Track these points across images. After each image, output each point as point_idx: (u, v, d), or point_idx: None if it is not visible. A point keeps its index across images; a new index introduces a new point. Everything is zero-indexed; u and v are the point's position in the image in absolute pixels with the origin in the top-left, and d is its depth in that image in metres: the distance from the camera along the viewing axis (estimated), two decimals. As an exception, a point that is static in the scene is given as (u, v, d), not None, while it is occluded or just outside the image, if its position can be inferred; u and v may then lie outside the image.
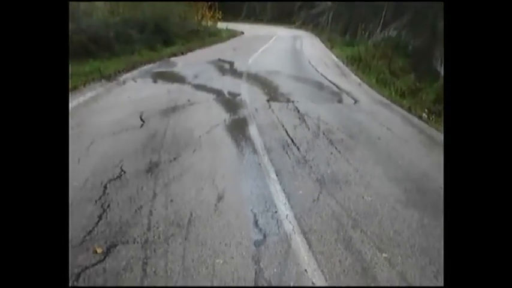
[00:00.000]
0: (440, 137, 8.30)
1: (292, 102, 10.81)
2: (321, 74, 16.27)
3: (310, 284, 3.74)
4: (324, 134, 8.14)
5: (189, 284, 3.60)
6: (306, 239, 4.44)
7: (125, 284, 3.55)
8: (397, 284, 3.82)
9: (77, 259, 3.82)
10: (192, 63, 17.64)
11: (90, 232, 4.27)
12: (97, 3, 19.48)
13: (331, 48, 28.05)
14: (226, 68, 16.87)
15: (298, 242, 4.38)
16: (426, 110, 10.56)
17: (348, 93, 12.59)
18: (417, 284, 3.83)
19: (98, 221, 4.48)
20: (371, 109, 10.79)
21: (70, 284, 3.47)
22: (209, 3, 33.18)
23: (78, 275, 3.61)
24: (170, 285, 3.47)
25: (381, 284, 3.79)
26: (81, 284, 3.52)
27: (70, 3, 14.04)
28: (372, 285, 3.78)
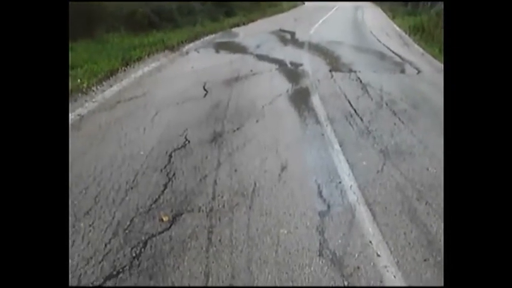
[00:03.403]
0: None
1: (355, 72, 10.66)
2: (383, 44, 15.98)
3: (375, 256, 3.67)
4: (387, 104, 7.96)
5: (255, 253, 3.59)
6: (370, 210, 4.36)
7: (191, 252, 3.58)
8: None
9: (144, 227, 3.88)
10: (254, 33, 17.63)
11: (156, 200, 4.31)
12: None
13: (392, 18, 27.53)
14: (287, 38, 16.77)
15: (363, 213, 4.31)
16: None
17: (410, 63, 12.30)
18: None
19: (164, 190, 4.52)
20: (434, 79, 10.46)
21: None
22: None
23: (145, 243, 3.66)
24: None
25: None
26: (147, 252, 3.58)
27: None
28: (438, 258, 3.67)
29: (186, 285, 3.24)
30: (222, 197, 4.44)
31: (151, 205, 4.23)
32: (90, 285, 3.18)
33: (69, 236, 3.62)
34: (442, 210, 4.36)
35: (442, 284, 3.22)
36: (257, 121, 6.74)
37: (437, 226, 4.13)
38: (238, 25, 20.16)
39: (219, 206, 4.27)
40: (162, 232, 3.82)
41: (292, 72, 10.52)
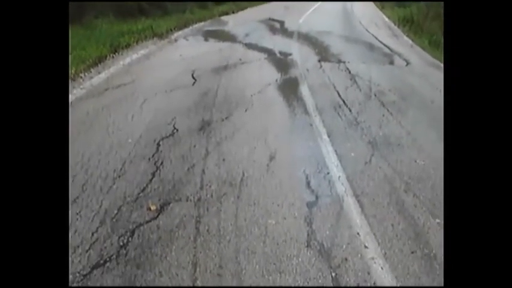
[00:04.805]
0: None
1: (344, 62, 10.69)
2: (372, 35, 16.08)
3: (363, 247, 3.69)
4: (375, 95, 7.99)
5: (243, 244, 3.59)
6: (358, 201, 4.38)
7: (179, 242, 3.57)
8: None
9: (131, 216, 3.86)
10: (243, 22, 17.62)
11: (143, 189, 4.29)
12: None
13: (382, 8, 27.57)
14: (277, 27, 16.76)
15: (351, 204, 4.32)
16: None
17: (399, 55, 12.37)
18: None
19: (152, 179, 4.50)
20: (424, 71, 10.54)
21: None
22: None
23: (133, 232, 3.65)
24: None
25: (434, 250, 3.70)
26: (134, 241, 3.57)
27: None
28: (425, 251, 3.69)
29: (174, 274, 3.24)
30: (210, 186, 4.42)
31: (139, 194, 4.21)
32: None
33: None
34: (430, 202, 4.40)
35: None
36: (246, 110, 6.73)
37: (424, 218, 4.16)
38: (227, 13, 20.11)
39: (207, 195, 4.26)
40: (150, 221, 3.81)
41: (281, 62, 10.52)
